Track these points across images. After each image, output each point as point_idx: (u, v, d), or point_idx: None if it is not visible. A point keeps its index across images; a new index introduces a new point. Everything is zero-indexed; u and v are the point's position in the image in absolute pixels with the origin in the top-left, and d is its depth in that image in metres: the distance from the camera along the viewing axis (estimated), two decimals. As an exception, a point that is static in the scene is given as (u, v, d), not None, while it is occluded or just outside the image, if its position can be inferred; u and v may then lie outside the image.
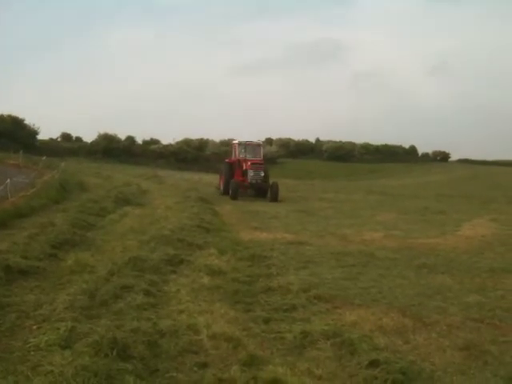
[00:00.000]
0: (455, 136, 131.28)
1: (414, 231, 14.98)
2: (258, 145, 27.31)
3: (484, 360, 5.53)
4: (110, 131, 58.18)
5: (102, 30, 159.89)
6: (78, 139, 63.73)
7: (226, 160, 27.39)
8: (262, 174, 25.01)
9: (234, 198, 23.77)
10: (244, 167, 25.16)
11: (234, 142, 27.63)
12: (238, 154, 26.28)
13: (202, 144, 61.71)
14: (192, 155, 58.28)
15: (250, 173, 24.75)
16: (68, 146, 57.19)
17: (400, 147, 77.38)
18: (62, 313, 6.25)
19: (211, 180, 34.55)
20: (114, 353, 4.99)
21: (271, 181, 25.48)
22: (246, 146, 26.33)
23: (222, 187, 26.20)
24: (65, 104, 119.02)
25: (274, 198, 24.04)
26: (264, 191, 25.35)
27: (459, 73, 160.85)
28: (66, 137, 63.78)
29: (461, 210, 21.50)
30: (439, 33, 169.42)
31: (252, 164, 25.04)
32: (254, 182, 24.89)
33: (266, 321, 6.63)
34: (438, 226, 16.02)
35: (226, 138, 61.95)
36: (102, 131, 57.88)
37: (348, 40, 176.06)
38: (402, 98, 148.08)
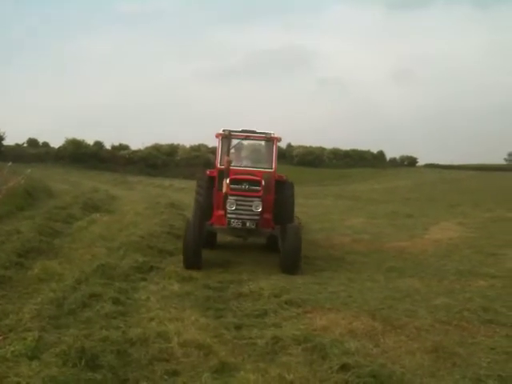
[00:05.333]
0: (420, 141, 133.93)
1: (383, 235, 15.18)
2: (267, 140, 11.63)
3: (452, 362, 5.62)
4: (78, 136, 57.30)
5: (68, 36, 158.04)
6: (45, 144, 62.39)
7: (207, 172, 12.18)
8: (259, 209, 10.26)
9: (191, 265, 9.73)
10: (224, 188, 10.58)
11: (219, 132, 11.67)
12: (221, 159, 11.38)
13: (172, 149, 61.07)
14: (162, 161, 57.74)
15: (230, 204, 10.26)
16: (34, 152, 55.90)
17: (368, 152, 78.30)
18: (29, 322, 6.10)
19: (183, 186, 34.32)
20: (83, 362, 4.92)
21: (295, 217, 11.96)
22: (240, 141, 11.73)
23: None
24: (31, 110, 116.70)
25: (287, 264, 10.00)
26: (268, 242, 11.90)
27: (423, 79, 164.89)
28: (32, 142, 62.31)
29: (428, 213, 21.85)
30: (403, 41, 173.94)
31: (233, 182, 10.44)
32: (235, 224, 10.29)
33: (238, 327, 6.61)
34: (406, 230, 16.25)
35: (197, 144, 61.62)
36: (70, 136, 57.00)
37: (314, 47, 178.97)
38: (368, 104, 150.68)
